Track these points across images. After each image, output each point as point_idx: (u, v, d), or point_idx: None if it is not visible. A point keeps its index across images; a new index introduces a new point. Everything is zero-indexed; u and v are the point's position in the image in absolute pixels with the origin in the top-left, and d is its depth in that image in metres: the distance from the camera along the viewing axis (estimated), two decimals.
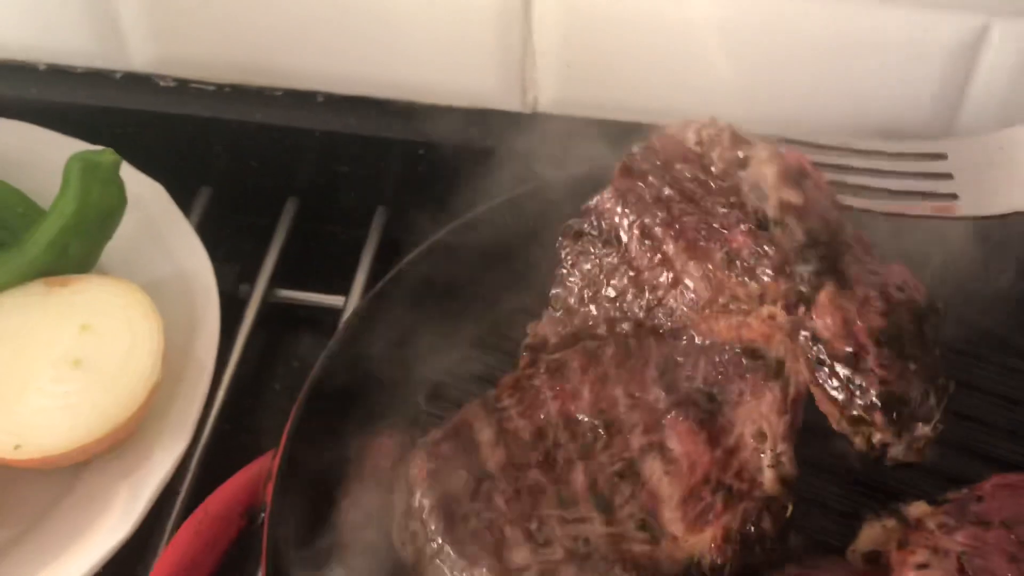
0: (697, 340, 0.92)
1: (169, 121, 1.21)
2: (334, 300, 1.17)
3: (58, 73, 1.24)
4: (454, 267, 1.00)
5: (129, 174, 1.11)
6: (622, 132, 1.13)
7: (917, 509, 0.84)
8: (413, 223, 1.08)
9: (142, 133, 1.21)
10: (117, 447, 0.97)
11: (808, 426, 0.86)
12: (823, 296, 0.86)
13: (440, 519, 0.81)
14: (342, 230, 1.24)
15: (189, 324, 1.06)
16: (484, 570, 0.77)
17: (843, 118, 1.11)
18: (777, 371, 0.88)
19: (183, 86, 1.23)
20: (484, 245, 1.01)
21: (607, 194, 0.97)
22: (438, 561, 0.79)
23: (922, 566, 0.79)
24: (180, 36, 1.19)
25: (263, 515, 0.82)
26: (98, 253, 1.07)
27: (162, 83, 1.23)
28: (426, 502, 0.82)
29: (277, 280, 1.19)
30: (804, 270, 0.87)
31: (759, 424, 0.85)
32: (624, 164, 0.98)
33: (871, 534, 0.84)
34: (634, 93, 1.14)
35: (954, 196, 0.86)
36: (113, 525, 0.92)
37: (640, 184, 0.97)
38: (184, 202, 1.18)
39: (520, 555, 0.78)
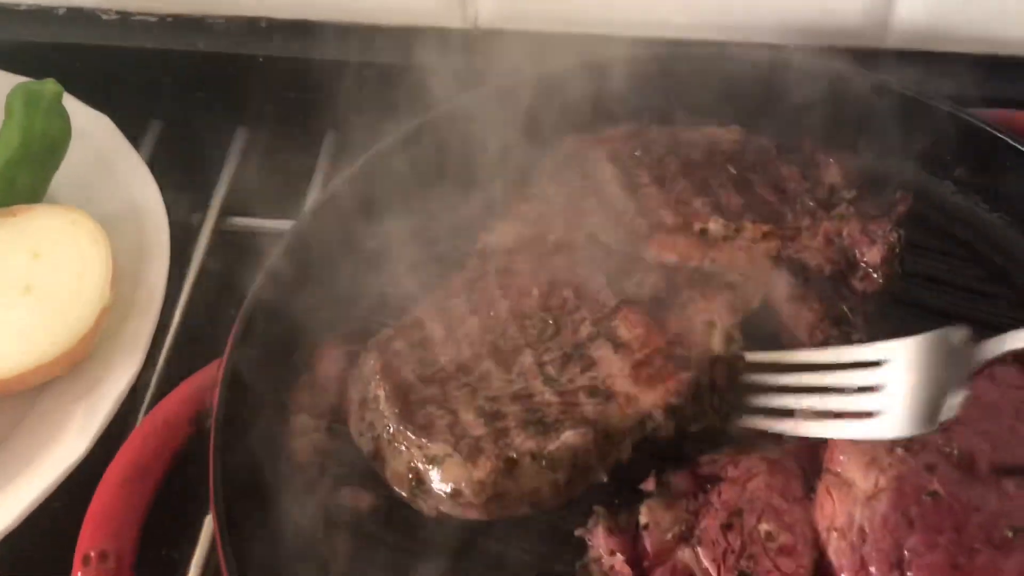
0: (649, 257, 0.95)
1: (114, 54, 1.22)
2: (287, 225, 1.17)
3: (1, 11, 1.24)
4: (394, 181, 1.01)
5: (76, 108, 1.13)
6: (562, 44, 1.15)
7: None
8: (363, 145, 1.09)
9: (88, 68, 1.21)
10: (72, 370, 0.98)
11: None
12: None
13: (396, 405, 0.83)
14: (293, 157, 1.25)
15: (140, 251, 1.07)
16: (441, 443, 0.80)
17: (780, 16, 1.11)
18: (730, 287, 0.91)
19: (126, 19, 1.23)
20: (423, 158, 1.02)
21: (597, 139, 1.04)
22: (396, 444, 0.82)
23: None
24: None
25: (210, 421, 0.84)
26: (46, 184, 1.09)
27: (105, 16, 1.23)
28: (381, 392, 0.84)
29: (229, 208, 1.20)
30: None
31: (710, 316, 0.88)
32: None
33: None
34: (572, 4, 1.15)
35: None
36: (71, 444, 0.94)
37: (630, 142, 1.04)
38: (135, 136, 1.19)
39: (474, 428, 0.81)
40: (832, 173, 1.01)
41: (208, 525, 0.95)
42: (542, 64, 1.09)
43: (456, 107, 1.04)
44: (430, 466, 0.80)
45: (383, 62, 1.18)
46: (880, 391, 0.78)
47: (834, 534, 0.77)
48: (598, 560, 0.78)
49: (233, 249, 1.19)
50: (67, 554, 0.86)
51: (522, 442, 0.80)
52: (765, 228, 0.95)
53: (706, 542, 0.77)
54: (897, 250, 0.91)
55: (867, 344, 0.82)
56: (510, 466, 0.79)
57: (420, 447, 0.81)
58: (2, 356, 0.95)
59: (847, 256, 0.93)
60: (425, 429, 0.82)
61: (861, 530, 0.76)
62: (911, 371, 0.77)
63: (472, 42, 1.17)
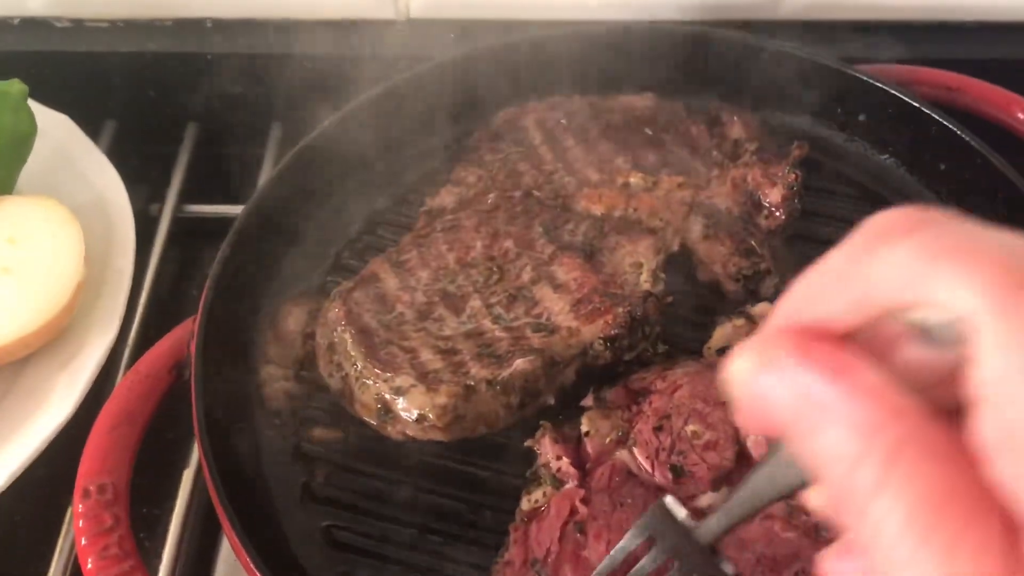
0: (579, 209, 1.05)
1: (68, 59, 1.30)
2: (240, 210, 1.26)
3: None
4: (342, 156, 1.10)
5: (36, 110, 1.19)
6: (486, 30, 1.26)
7: (761, 309, 0.97)
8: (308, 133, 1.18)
9: (45, 73, 1.28)
10: (53, 342, 1.06)
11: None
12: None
13: (361, 345, 0.93)
14: (242, 149, 1.33)
15: (107, 236, 1.15)
16: (405, 375, 0.89)
17: None
18: (652, 232, 1.02)
19: (78, 25, 1.31)
20: (365, 137, 1.12)
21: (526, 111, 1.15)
22: (363, 380, 0.91)
23: None
24: None
25: (188, 370, 0.92)
26: (15, 177, 1.16)
27: (58, 24, 1.31)
28: (347, 336, 0.94)
29: (185, 197, 1.28)
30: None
31: (636, 258, 0.99)
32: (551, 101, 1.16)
33: (723, 333, 0.97)
34: None
35: None
36: (56, 408, 1.01)
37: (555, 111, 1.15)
38: (91, 135, 1.26)
39: (433, 362, 0.90)
40: (736, 129, 1.12)
41: (186, 478, 1.03)
42: (469, 47, 1.19)
43: (393, 87, 1.14)
44: (397, 396, 0.89)
45: (323, 54, 1.28)
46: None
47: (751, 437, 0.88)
48: (546, 465, 0.88)
49: (191, 233, 1.27)
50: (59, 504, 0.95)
51: (478, 371, 0.90)
52: (679, 180, 1.07)
53: (640, 443, 0.88)
54: (795, 188, 1.03)
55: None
56: (468, 392, 0.89)
57: (386, 380, 0.90)
58: None
59: (752, 198, 1.05)
60: (389, 364, 0.91)
61: None
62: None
63: (404, 31, 1.28)
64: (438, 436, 0.89)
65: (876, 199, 1.11)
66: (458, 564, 0.88)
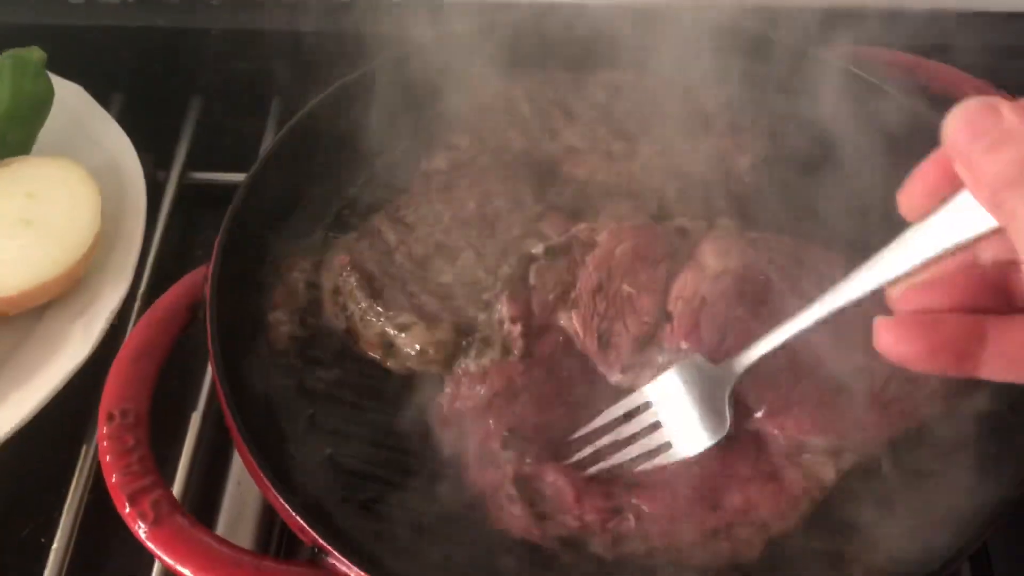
0: (564, 173, 1.14)
1: (81, 32, 1.37)
2: (242, 177, 1.33)
3: None
4: (341, 124, 1.17)
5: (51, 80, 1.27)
6: (475, 10, 1.33)
7: None
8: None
9: (58, 47, 1.33)
10: (69, 292, 1.13)
11: None
12: None
13: (364, 288, 1.01)
14: (244, 122, 1.41)
15: (119, 195, 1.22)
16: (407, 314, 0.98)
17: None
18: (631, 194, 1.11)
19: (91, 2, 1.38)
20: (361, 108, 1.18)
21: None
22: (367, 319, 0.99)
23: None
24: None
25: (203, 310, 1.00)
26: (33, 139, 1.23)
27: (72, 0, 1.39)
28: (352, 279, 1.02)
29: (190, 165, 1.36)
30: None
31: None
32: None
33: None
34: None
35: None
36: (73, 351, 1.09)
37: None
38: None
39: (430, 303, 0.98)
40: (709, 104, 1.21)
41: (194, 420, 1.11)
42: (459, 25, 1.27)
43: (387, 62, 1.20)
44: (400, 332, 0.98)
45: (319, 30, 1.35)
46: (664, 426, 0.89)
47: (680, 301, 0.97)
48: (501, 322, 0.96)
49: (195, 198, 1.35)
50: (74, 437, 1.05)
51: (473, 311, 0.98)
52: (656, 148, 1.15)
53: (580, 306, 0.97)
54: (762, 157, 1.12)
55: (633, 393, 0.92)
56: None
57: (389, 319, 0.98)
58: (11, 276, 1.09)
59: (723, 165, 1.13)
60: (392, 305, 0.99)
61: (703, 299, 0.96)
62: (678, 401, 0.89)
63: (398, 11, 1.35)
64: (436, 369, 0.97)
65: None
66: (449, 485, 0.95)
